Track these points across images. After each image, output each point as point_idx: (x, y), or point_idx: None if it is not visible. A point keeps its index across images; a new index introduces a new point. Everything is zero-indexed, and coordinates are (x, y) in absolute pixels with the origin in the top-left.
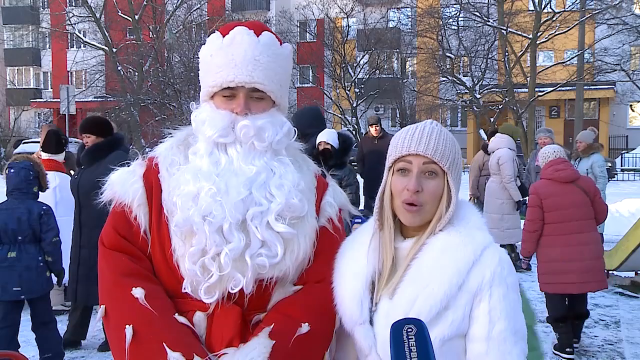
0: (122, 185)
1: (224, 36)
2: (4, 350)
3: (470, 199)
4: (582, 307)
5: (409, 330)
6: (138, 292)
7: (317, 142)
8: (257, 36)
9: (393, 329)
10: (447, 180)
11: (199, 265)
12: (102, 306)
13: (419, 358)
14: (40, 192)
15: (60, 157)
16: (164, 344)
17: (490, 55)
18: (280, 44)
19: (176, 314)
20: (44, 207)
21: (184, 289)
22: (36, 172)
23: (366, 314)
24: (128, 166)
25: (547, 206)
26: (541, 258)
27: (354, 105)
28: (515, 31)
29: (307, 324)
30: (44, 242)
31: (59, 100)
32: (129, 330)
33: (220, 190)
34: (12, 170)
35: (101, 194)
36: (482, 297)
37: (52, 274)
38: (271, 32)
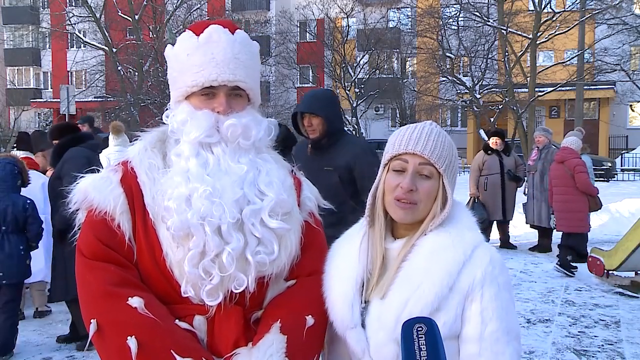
0: (100, 192)
1: (197, 35)
2: None
3: (470, 200)
4: (568, 241)
5: (419, 328)
6: (136, 302)
7: None
8: (232, 34)
9: (404, 328)
10: (443, 182)
11: (201, 268)
12: (92, 321)
13: (428, 357)
14: (22, 187)
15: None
16: (172, 351)
17: (490, 55)
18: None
19: (176, 320)
20: (28, 201)
21: (185, 293)
22: (19, 168)
23: (357, 318)
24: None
25: (549, 177)
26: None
27: (354, 105)
28: (515, 31)
29: (310, 316)
30: (29, 233)
31: (59, 100)
32: (132, 341)
33: (216, 191)
34: None
35: (69, 202)
36: (474, 297)
37: (30, 263)
38: (241, 29)
